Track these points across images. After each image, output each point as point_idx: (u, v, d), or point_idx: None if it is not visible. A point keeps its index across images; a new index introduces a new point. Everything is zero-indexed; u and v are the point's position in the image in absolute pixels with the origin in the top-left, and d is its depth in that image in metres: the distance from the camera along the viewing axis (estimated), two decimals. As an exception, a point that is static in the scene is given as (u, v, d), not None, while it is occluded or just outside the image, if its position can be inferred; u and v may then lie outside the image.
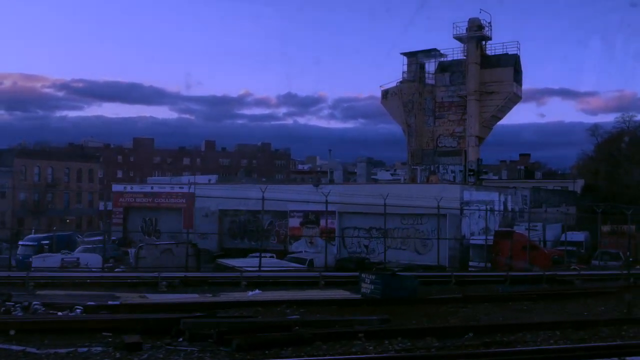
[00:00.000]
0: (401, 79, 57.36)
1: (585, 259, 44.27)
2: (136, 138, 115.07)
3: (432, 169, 55.97)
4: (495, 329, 13.96)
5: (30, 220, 67.97)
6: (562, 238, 50.19)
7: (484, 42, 54.75)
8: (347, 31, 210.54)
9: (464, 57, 54.75)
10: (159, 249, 27.54)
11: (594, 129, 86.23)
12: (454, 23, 54.38)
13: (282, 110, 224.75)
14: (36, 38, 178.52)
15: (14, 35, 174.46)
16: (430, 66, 57.58)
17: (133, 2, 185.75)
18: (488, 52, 55.38)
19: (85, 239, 46.91)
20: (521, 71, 55.53)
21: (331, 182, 56.94)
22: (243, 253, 42.58)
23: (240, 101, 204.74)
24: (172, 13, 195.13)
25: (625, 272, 27.16)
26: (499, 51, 55.20)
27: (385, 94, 57.88)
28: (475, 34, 53.52)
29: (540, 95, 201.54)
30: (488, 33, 54.48)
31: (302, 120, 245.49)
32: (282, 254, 42.17)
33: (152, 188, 51.56)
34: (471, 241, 40.41)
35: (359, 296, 18.64)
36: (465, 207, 42.14)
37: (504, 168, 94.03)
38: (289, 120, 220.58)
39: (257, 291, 18.75)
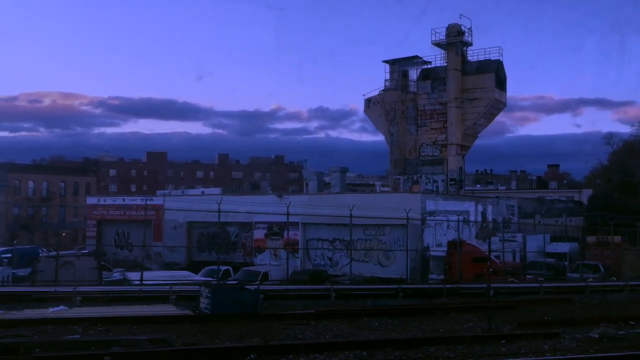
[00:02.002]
0: (383, 87, 56.16)
1: (561, 270, 42.28)
2: (150, 152, 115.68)
3: (414, 178, 54.46)
4: (288, 349, 12.70)
5: (24, 234, 68.55)
6: (547, 250, 48.51)
7: (465, 48, 53.20)
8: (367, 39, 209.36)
9: (446, 64, 53.32)
10: (59, 261, 26.85)
11: (609, 137, 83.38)
12: (432, 29, 53.07)
13: (314, 124, 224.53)
14: (73, 57, 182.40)
15: (53, 55, 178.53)
16: (415, 74, 56.33)
17: (165, 22, 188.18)
18: (470, 59, 53.83)
19: (50, 253, 46.53)
20: (505, 77, 53.80)
21: (294, 192, 55.82)
22: (206, 266, 41.72)
23: (272, 115, 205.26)
24: (202, 30, 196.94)
25: (538, 284, 25.36)
26: (483, 57, 53.61)
27: (368, 102, 56.68)
28: (454, 39, 52.00)
29: (575, 105, 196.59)
30: (468, 39, 52.93)
31: (334, 133, 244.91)
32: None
33: (123, 200, 51.14)
34: (431, 253, 38.86)
35: (186, 312, 17.48)
36: (428, 218, 40.59)
37: (513, 178, 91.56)
38: (321, 133, 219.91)
39: (61, 307, 17.75)
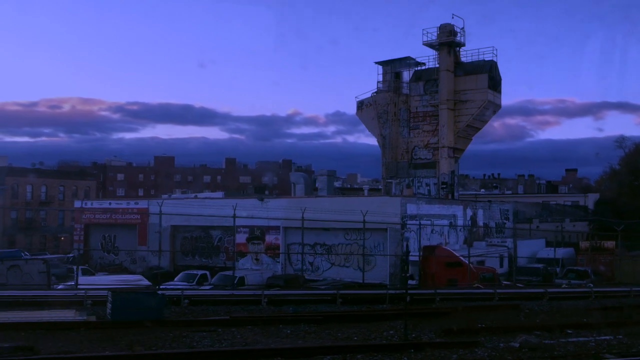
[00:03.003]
0: (376, 89, 55.20)
1: (547, 277, 41.00)
2: (157, 157, 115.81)
3: (406, 182, 53.40)
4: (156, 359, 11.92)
5: (22, 238, 68.64)
6: (539, 255, 47.25)
7: (457, 49, 52.06)
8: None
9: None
10: (5, 265, 26.33)
11: (621, 140, 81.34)
12: (423, 29, 52.11)
13: (331, 128, 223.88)
14: (92, 63, 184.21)
15: (72, 61, 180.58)
16: (409, 75, 55.29)
17: (181, 29, 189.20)
18: (464, 60, 52.66)
19: (35, 257, 46.31)
20: (500, 79, 52.52)
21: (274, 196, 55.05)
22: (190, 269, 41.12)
23: (290, 120, 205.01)
24: (219, 38, 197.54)
25: (491, 290, 24.24)
26: (477, 58, 52.41)
27: (361, 105, 55.73)
28: (446, 40, 50.88)
29: (596, 109, 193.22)
30: (461, 39, 51.77)
31: (351, 138, 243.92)
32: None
33: (110, 204, 50.76)
34: (410, 257, 37.76)
35: (85, 318, 16.67)
36: (410, 222, 39.58)
37: (520, 183, 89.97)
38: (337, 138, 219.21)
39: None
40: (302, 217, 31.37)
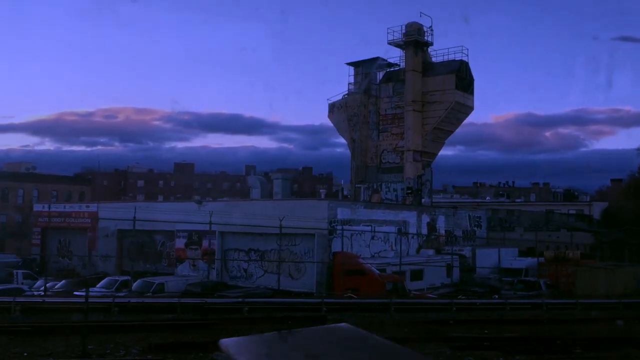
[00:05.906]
0: (347, 91, 53.13)
1: (496, 288, 38.10)
2: (177, 163, 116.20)
3: (374, 186, 51.09)
4: None
5: (13, 242, 69.04)
6: (504, 265, 44.26)
7: (426, 48, 49.55)
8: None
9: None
10: None
11: (643, 149, 77.00)
12: (388, 28, 49.77)
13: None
14: (146, 74, 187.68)
15: (127, 72, 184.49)
16: (379, 76, 53.06)
17: (231, 38, 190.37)
18: (435, 60, 50.11)
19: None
20: (472, 79, 49.71)
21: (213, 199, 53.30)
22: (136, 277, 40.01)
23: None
24: (267, 48, 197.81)
25: (320, 300, 21.85)
26: (448, 58, 49.75)
27: (332, 107, 53.72)
28: (412, 38, 48.46)
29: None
30: (429, 38, 49.27)
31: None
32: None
33: (64, 208, 50.21)
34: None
35: None
36: (344, 227, 37.35)
37: (533, 191, 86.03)
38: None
39: None
40: (210, 221, 29.82)
